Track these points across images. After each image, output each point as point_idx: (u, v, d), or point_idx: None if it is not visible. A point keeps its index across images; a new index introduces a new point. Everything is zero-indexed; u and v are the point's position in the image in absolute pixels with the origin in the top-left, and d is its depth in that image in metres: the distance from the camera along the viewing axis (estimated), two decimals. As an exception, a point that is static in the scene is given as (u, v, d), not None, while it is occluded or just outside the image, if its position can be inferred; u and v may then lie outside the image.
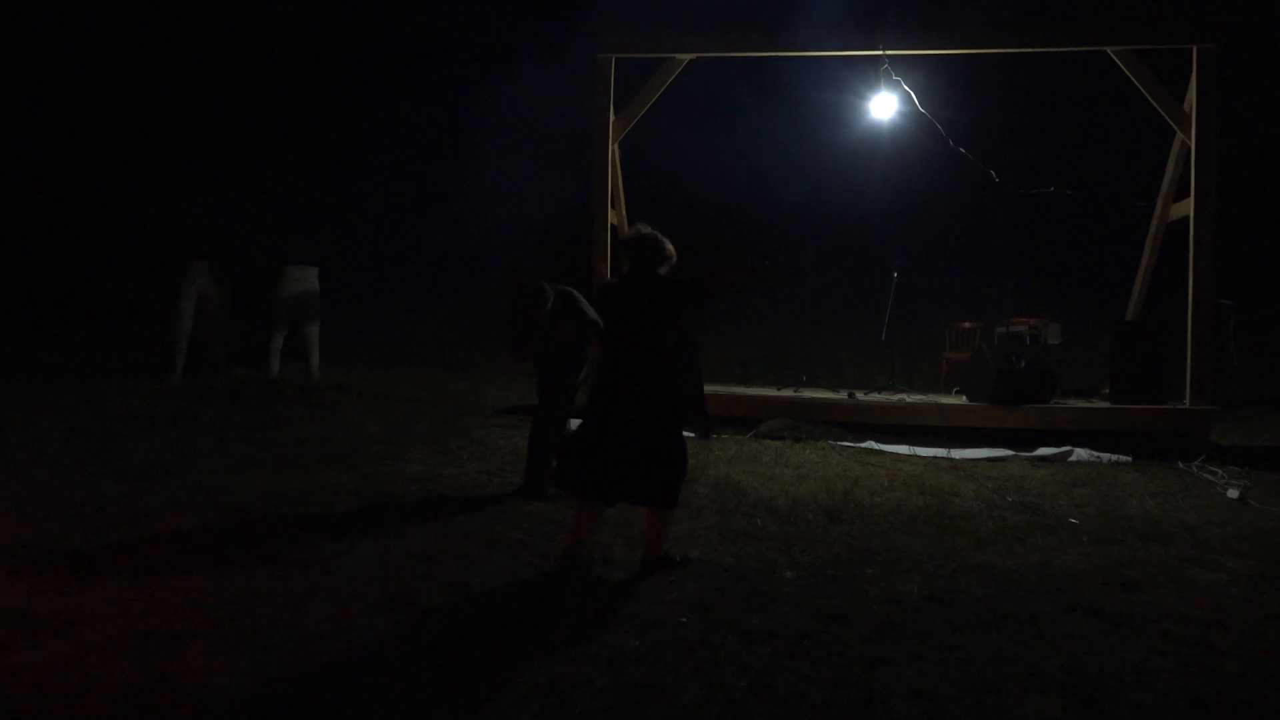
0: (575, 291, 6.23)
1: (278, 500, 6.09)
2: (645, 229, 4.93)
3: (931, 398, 10.12)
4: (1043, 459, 8.45)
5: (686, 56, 10.03)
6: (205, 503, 5.98)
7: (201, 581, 4.43)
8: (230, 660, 3.56)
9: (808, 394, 10.16)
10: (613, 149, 10.30)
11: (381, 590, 4.38)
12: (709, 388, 10.66)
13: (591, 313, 6.06)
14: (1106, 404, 9.43)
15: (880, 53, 9.49)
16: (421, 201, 18.45)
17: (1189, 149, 9.32)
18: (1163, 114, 9.44)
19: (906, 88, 9.56)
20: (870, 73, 9.82)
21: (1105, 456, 8.45)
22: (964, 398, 9.91)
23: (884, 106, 9.98)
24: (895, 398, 10.00)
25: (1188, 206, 9.32)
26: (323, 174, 18.62)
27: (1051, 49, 9.89)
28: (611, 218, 10.34)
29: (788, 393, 10.24)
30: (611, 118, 10.21)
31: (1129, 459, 8.40)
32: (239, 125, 19.10)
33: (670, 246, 4.91)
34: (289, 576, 4.56)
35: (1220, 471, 7.86)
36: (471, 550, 5.11)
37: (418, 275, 17.77)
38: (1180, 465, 8.15)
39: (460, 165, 19.04)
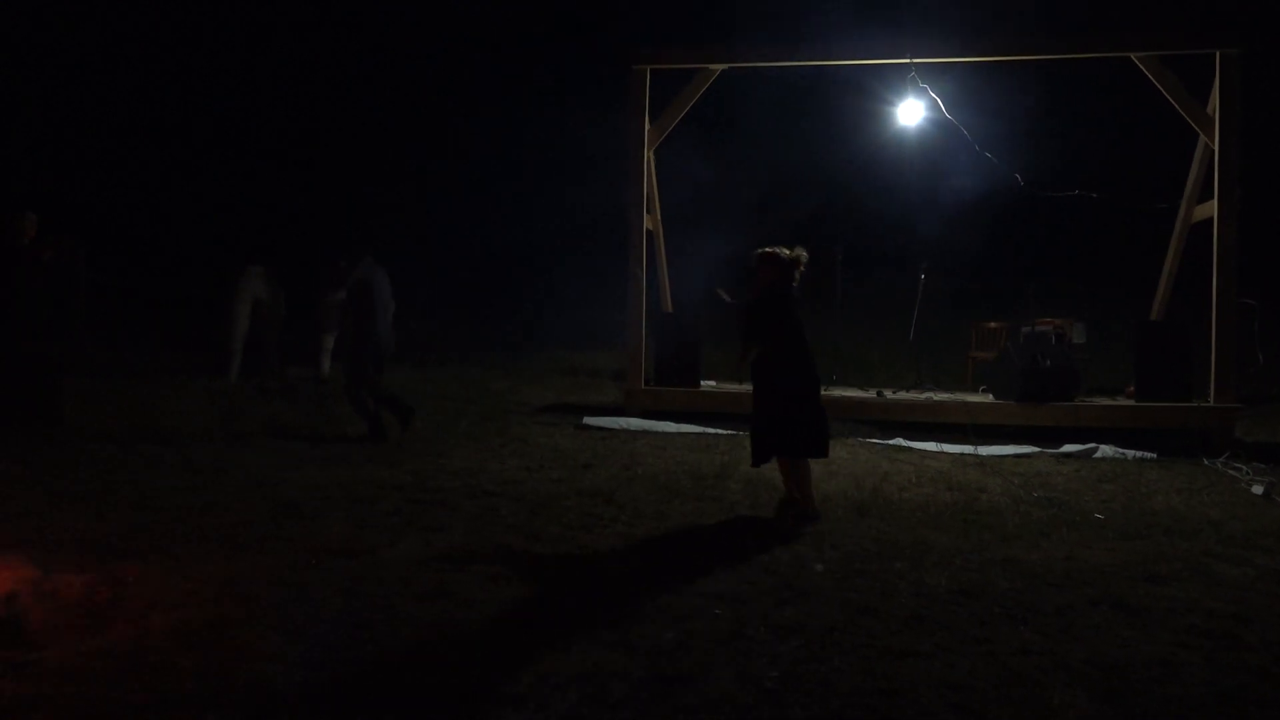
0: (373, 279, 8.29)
1: (327, 495, 6.30)
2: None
3: (958, 396, 10.21)
4: (1068, 456, 8.52)
5: (719, 67, 10.24)
6: (259, 497, 6.21)
7: (255, 572, 4.62)
8: (283, 649, 3.72)
9: (837, 392, 10.28)
10: (648, 156, 10.51)
11: (425, 581, 4.55)
12: (742, 387, 10.82)
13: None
14: (1131, 402, 9.49)
15: (908, 61, 9.62)
16: (463, 205, 18.69)
17: (1212, 152, 9.37)
18: (1186, 118, 9.49)
19: (933, 95, 9.67)
20: (897, 80, 9.93)
21: (1130, 453, 8.51)
22: (990, 396, 9.99)
23: (911, 113, 10.11)
24: (923, 396, 10.09)
25: (1211, 208, 9.37)
26: (373, 177, 18.90)
27: (1076, 56, 10.01)
28: (647, 223, 10.57)
29: (816, 391, 10.35)
30: (647, 126, 10.41)
31: (1154, 456, 8.47)
32: (284, 130, 19.40)
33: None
34: (338, 568, 4.74)
35: (1245, 468, 7.91)
36: (512, 543, 5.28)
37: (458, 276, 18.01)
38: (1205, 462, 8.21)
39: (497, 173, 19.30)
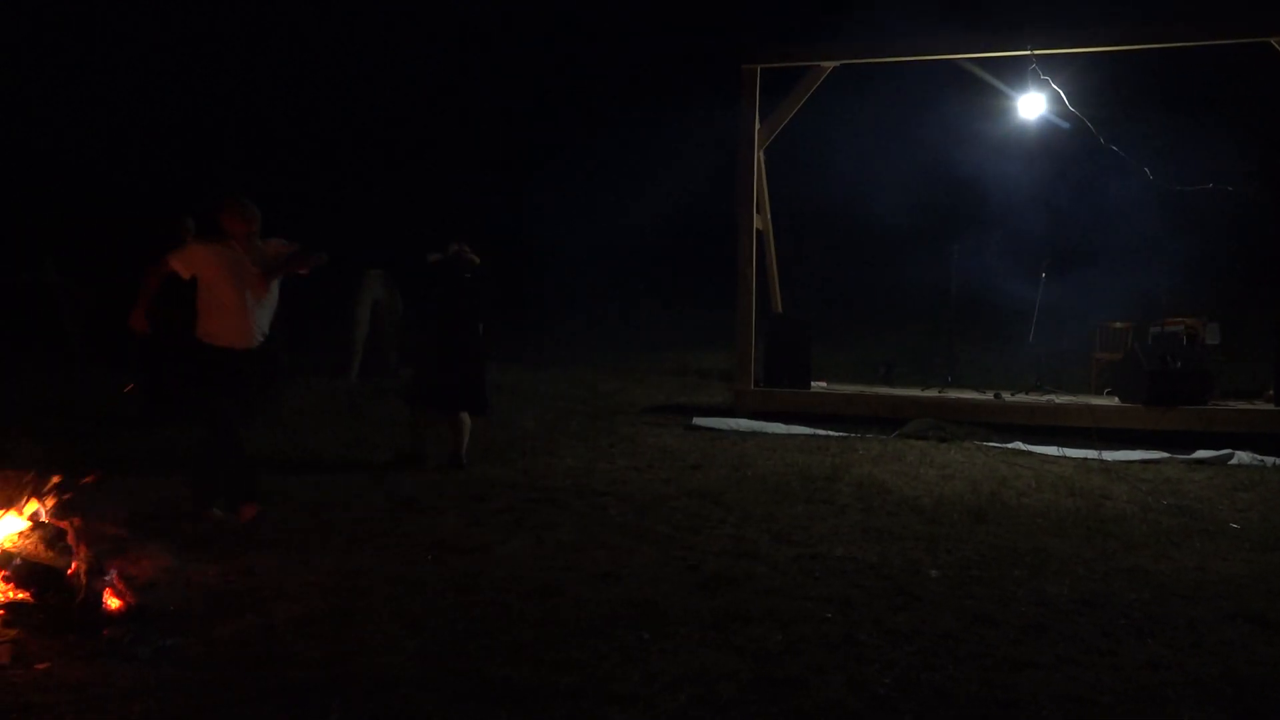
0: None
1: (441, 491, 6.47)
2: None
3: (1081, 399, 9.86)
4: (1201, 462, 8.14)
5: (830, 64, 10.13)
6: (377, 492, 6.42)
7: (374, 565, 4.78)
8: (400, 641, 3.84)
9: (953, 394, 10.06)
10: (758, 156, 10.46)
11: (535, 579, 4.62)
12: (853, 388, 10.71)
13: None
14: (1272, 406, 8.99)
15: (1028, 53, 9.31)
16: (573, 203, 18.95)
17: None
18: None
19: (1055, 86, 9.35)
20: (1016, 73, 9.66)
21: (1270, 460, 8.06)
22: (1116, 399, 9.61)
23: (1032, 106, 9.82)
24: (1044, 398, 9.78)
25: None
26: (483, 179, 19.36)
27: (1213, 42, 9.50)
28: (757, 223, 10.54)
29: (932, 393, 10.15)
30: (757, 125, 10.37)
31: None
32: (396, 135, 20.01)
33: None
34: (451, 563, 4.86)
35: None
36: (621, 542, 5.33)
37: (565, 276, 18.28)
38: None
39: (609, 170, 19.50)
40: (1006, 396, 9.85)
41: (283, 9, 19.25)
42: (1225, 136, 14.03)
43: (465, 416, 7.34)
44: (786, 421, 9.54)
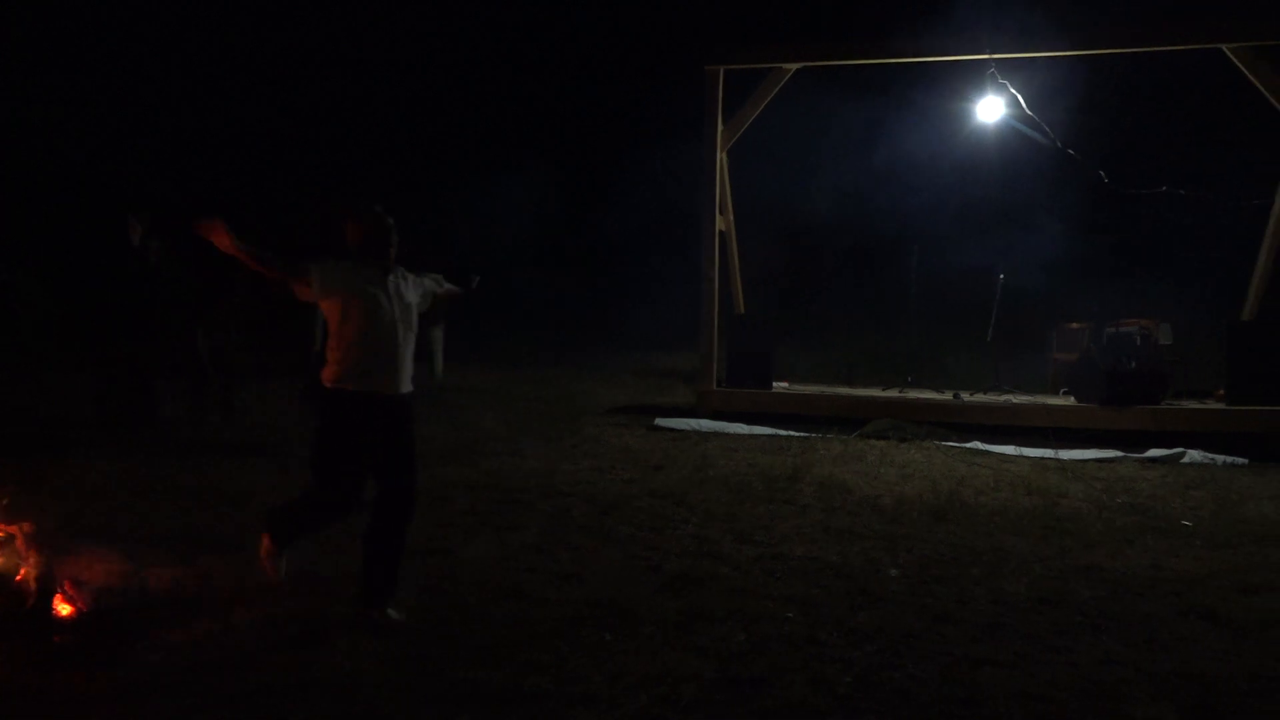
0: None
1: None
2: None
3: (1038, 398, 9.99)
4: (1154, 460, 8.28)
5: (793, 66, 10.20)
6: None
7: (335, 567, 4.71)
8: (361, 644, 3.80)
9: (913, 395, 10.15)
10: (721, 157, 10.49)
11: (498, 581, 4.60)
12: (815, 389, 10.77)
13: None
14: (1222, 405, 9.17)
15: (987, 57, 9.43)
16: (537, 204, 18.92)
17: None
18: (1280, 110, 9.14)
19: (1013, 90, 9.47)
20: (974, 77, 9.77)
21: (1220, 459, 8.23)
22: (1072, 399, 9.75)
23: (990, 110, 9.93)
24: (1001, 398, 9.90)
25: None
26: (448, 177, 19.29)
27: (1165, 49, 9.72)
28: (720, 224, 10.55)
29: (893, 393, 10.24)
30: (720, 127, 10.40)
31: (1245, 461, 8.18)
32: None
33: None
34: (415, 566, 4.81)
35: (1345, 476, 7.59)
36: (584, 543, 5.32)
37: (533, 277, 18.25)
38: (1302, 469, 7.89)
39: (572, 173, 19.49)
40: (965, 397, 9.96)
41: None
42: (1179, 140, 14.32)
43: None
44: (749, 422, 9.58)
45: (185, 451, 7.56)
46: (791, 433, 9.21)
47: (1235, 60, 9.10)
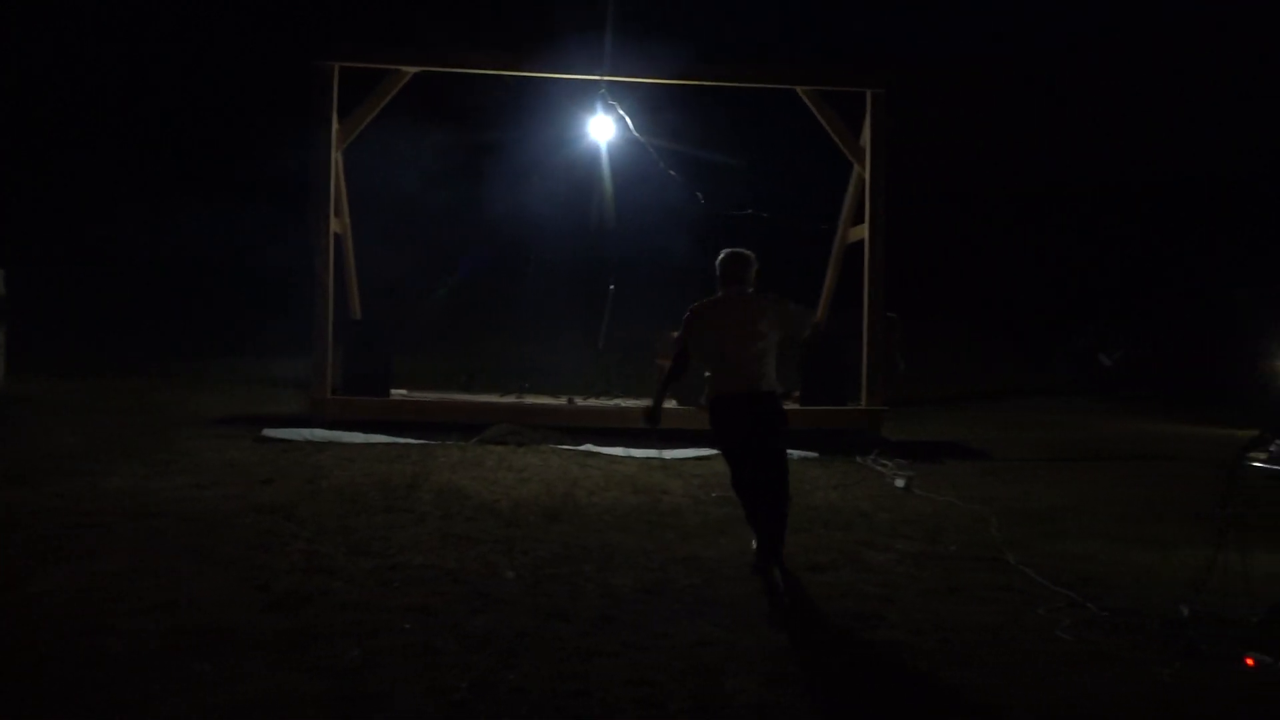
0: None
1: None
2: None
3: (645, 401, 10.61)
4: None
5: (411, 69, 10.04)
6: None
7: None
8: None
9: (530, 400, 10.41)
10: (335, 157, 10.09)
11: (79, 617, 4.10)
12: (434, 395, 10.70)
13: None
14: (797, 405, 10.32)
15: (599, 78, 9.93)
16: (122, 204, 17.11)
17: (864, 180, 10.44)
18: (842, 148, 10.52)
19: (622, 112, 10.06)
20: (589, 98, 10.24)
21: (796, 453, 9.24)
22: (675, 401, 10.48)
23: (602, 129, 10.43)
24: (611, 402, 10.44)
25: (863, 230, 10.43)
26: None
27: (751, 85, 10.87)
28: (335, 226, 10.14)
29: (510, 399, 10.44)
30: (335, 125, 10.00)
31: (816, 455, 9.25)
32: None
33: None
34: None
35: (889, 464, 8.84)
36: (180, 567, 4.88)
37: (120, 281, 16.49)
38: (857, 459, 9.08)
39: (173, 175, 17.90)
40: (579, 401, 10.40)
41: None
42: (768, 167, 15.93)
43: None
44: (366, 430, 9.34)
45: None
46: (410, 440, 9.09)
47: (807, 101, 10.32)
